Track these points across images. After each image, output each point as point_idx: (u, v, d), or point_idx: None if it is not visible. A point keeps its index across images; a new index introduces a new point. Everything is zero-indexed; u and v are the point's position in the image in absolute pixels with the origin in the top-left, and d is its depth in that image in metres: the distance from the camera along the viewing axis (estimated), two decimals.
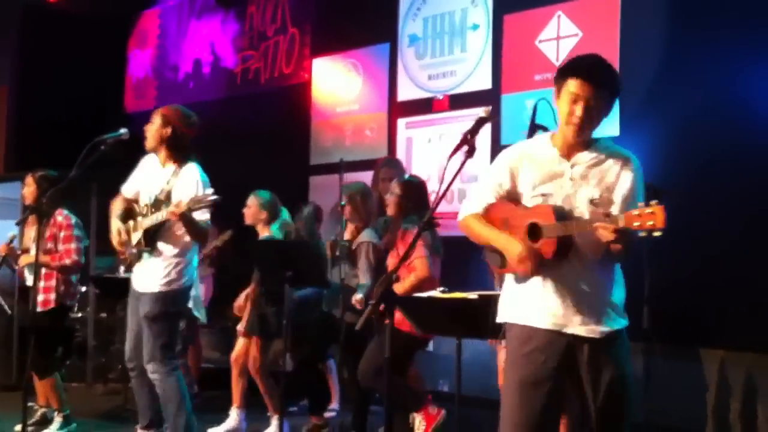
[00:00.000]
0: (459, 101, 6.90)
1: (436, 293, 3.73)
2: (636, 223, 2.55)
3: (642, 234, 2.56)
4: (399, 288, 4.62)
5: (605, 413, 2.85)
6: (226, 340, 7.21)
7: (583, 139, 2.88)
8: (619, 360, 2.89)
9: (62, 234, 5.70)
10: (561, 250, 2.75)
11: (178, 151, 4.65)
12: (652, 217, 2.52)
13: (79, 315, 7.69)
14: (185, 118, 4.70)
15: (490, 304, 3.19)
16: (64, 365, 6.94)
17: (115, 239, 4.82)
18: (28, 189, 5.85)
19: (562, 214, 2.78)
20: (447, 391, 6.23)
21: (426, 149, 7.00)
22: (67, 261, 5.63)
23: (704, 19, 5.50)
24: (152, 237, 4.62)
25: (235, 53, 9.21)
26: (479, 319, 3.45)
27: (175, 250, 4.64)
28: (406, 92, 7.36)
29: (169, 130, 4.62)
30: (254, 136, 8.51)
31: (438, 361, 6.08)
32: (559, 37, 6.23)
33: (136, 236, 4.67)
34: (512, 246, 2.82)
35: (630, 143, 5.69)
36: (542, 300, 2.86)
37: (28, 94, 10.02)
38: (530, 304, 2.88)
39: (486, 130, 6.45)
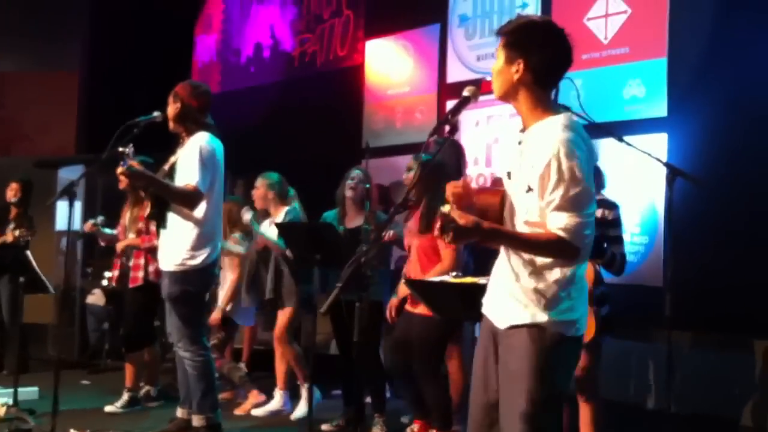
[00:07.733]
0: None
1: (448, 278, 3.70)
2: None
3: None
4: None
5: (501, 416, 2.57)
6: None
7: (513, 103, 2.65)
8: (512, 358, 2.52)
9: None
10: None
11: (188, 123, 4.69)
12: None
13: None
14: (192, 89, 4.75)
15: None
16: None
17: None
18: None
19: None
20: None
21: (474, 132, 6.87)
22: (156, 242, 5.77)
23: None
24: (159, 210, 4.65)
25: (293, 36, 9.24)
26: None
27: (186, 224, 4.60)
28: (455, 73, 7.21)
29: (178, 105, 4.68)
30: (311, 119, 8.52)
31: None
32: (607, 15, 6.03)
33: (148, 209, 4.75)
34: None
35: (678, 124, 5.54)
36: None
37: (98, 79, 10.34)
38: None
39: None
